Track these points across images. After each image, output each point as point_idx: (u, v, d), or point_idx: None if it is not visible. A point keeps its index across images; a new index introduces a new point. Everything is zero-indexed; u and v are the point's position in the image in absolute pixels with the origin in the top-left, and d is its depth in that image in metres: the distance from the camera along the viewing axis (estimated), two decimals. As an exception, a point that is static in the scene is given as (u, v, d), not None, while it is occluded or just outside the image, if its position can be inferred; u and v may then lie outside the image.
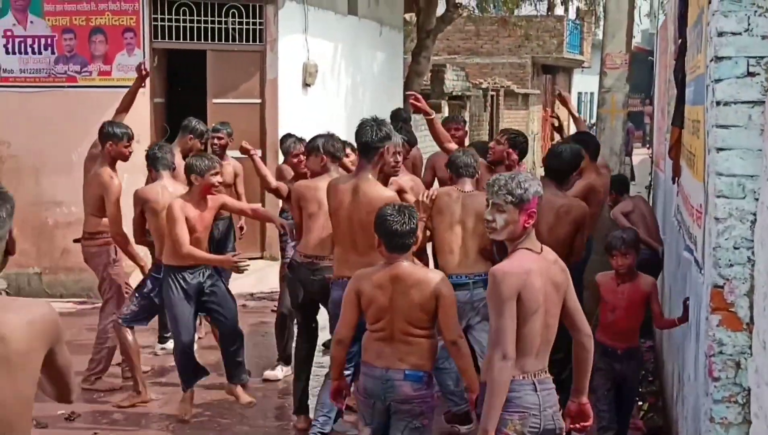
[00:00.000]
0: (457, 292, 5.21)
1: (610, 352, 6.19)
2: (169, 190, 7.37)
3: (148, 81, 11.64)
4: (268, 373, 8.34)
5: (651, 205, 11.31)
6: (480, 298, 6.43)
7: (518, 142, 7.74)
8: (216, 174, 7.06)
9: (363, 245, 6.05)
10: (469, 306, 6.46)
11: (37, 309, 3.03)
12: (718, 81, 4.13)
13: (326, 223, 6.62)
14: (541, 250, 4.38)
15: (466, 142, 9.24)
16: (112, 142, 7.65)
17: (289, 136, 8.86)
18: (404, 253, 4.97)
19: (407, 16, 19.08)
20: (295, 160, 8.18)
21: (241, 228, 9.84)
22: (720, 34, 4.11)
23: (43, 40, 11.86)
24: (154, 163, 7.64)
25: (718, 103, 4.14)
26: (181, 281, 7.03)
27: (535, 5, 25.67)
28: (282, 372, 8.35)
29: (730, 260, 4.10)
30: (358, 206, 6.06)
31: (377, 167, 6.19)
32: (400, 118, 9.60)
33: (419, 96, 7.81)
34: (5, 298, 3.05)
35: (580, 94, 40.69)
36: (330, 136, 7.02)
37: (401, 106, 15.68)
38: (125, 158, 7.78)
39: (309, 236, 6.82)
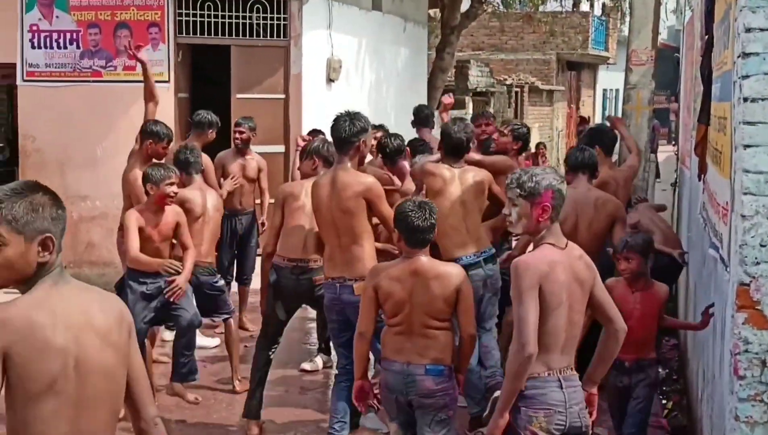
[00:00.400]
0: (470, 273, 5.26)
1: (617, 365, 5.52)
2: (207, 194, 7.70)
3: (172, 76, 11.78)
4: (306, 365, 8.41)
5: (677, 202, 11.26)
6: (492, 273, 6.62)
7: (521, 134, 7.81)
8: (172, 184, 6.97)
9: (346, 240, 6.08)
10: (482, 283, 6.52)
11: (115, 297, 3.34)
12: (745, 77, 4.12)
13: (311, 224, 6.61)
14: (566, 245, 4.37)
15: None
16: (152, 141, 7.71)
17: (317, 131, 8.92)
18: (424, 248, 5.01)
19: (431, 11, 19.06)
20: None
21: (263, 223, 9.75)
22: (748, 30, 4.10)
23: (68, 35, 11.93)
24: (186, 167, 7.70)
25: (745, 100, 4.12)
26: (140, 285, 7.02)
27: (561, 1, 25.53)
28: (321, 362, 8.47)
29: (756, 258, 4.09)
30: (337, 195, 6.04)
31: (354, 159, 6.19)
32: (421, 115, 9.42)
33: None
34: (84, 285, 3.19)
35: (605, 90, 40.52)
36: (325, 141, 7.07)
37: (425, 102, 15.71)
38: (160, 158, 7.79)
39: (291, 239, 6.76)
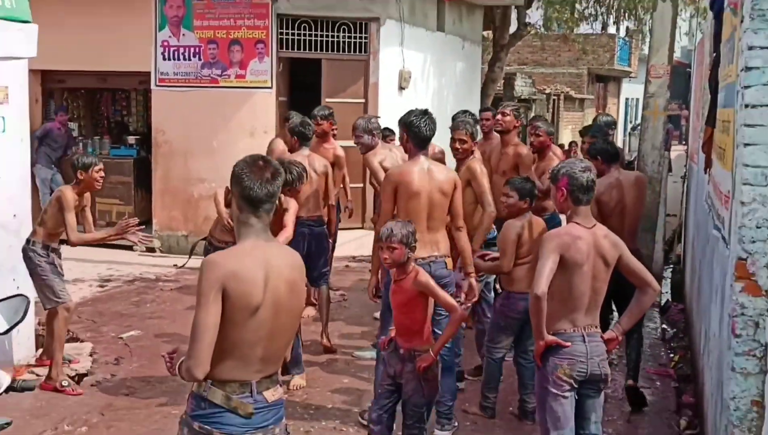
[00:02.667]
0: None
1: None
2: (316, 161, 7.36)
3: (274, 83, 11.87)
4: (359, 353, 7.52)
5: (686, 191, 11.09)
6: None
7: (521, 114, 7.67)
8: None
9: (436, 223, 5.67)
10: None
11: (296, 253, 3.42)
12: (747, 87, 4.08)
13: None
14: (594, 226, 4.35)
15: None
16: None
17: (388, 129, 8.91)
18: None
19: (485, 33, 18.92)
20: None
21: (347, 207, 9.17)
22: (750, 48, 4.06)
23: (192, 49, 12.07)
24: (301, 138, 7.35)
25: (746, 106, 4.09)
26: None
27: (591, 24, 25.19)
28: (371, 354, 7.24)
29: (752, 237, 4.05)
30: (436, 183, 5.62)
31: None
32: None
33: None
34: (279, 243, 3.47)
35: (627, 99, 39.94)
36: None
37: (479, 106, 15.61)
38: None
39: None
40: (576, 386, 4.29)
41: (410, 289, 4.64)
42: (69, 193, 6.33)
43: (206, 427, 3.11)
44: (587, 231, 4.30)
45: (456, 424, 5.89)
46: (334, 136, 8.43)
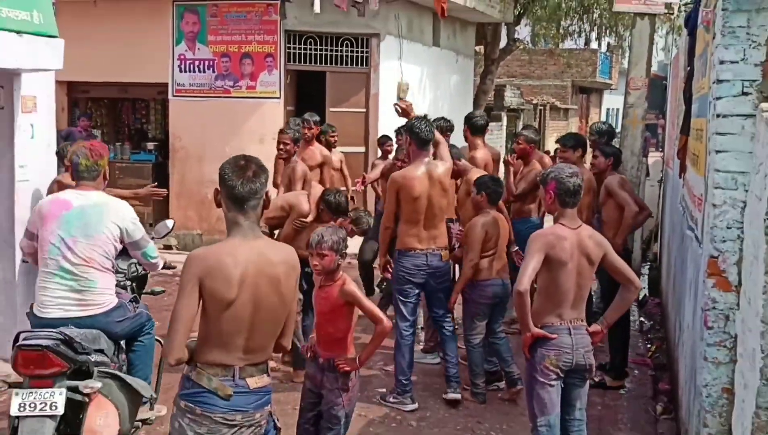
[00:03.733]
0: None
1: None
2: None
3: (282, 94, 11.85)
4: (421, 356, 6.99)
5: (662, 194, 11.08)
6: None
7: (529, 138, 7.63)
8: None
9: (435, 220, 5.96)
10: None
11: (287, 249, 3.35)
12: (718, 99, 4.08)
13: None
14: (579, 226, 4.34)
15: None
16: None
17: (385, 136, 8.90)
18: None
19: (477, 47, 18.91)
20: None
21: (352, 198, 9.13)
22: (721, 62, 4.06)
23: (206, 62, 12.07)
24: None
25: (718, 116, 4.09)
26: None
27: (575, 40, 25.21)
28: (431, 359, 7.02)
29: (723, 237, 4.06)
30: (435, 183, 5.87)
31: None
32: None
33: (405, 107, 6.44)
34: (270, 240, 3.39)
35: (608, 109, 39.89)
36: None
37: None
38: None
39: None
40: (562, 375, 4.28)
41: (336, 298, 4.24)
42: (66, 179, 5.79)
43: (190, 404, 3.13)
44: (572, 231, 4.29)
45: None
46: (318, 141, 8.52)
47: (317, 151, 8.24)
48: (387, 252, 6.18)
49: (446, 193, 5.97)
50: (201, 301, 3.10)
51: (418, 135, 5.82)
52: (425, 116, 6.08)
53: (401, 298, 6.01)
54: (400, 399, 5.99)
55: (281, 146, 7.15)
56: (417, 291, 6.03)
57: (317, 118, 8.53)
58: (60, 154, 6.41)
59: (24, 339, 4.16)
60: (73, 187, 4.78)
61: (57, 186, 6.16)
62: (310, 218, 6.28)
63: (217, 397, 3.11)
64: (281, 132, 7.31)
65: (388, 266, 6.18)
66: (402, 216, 5.90)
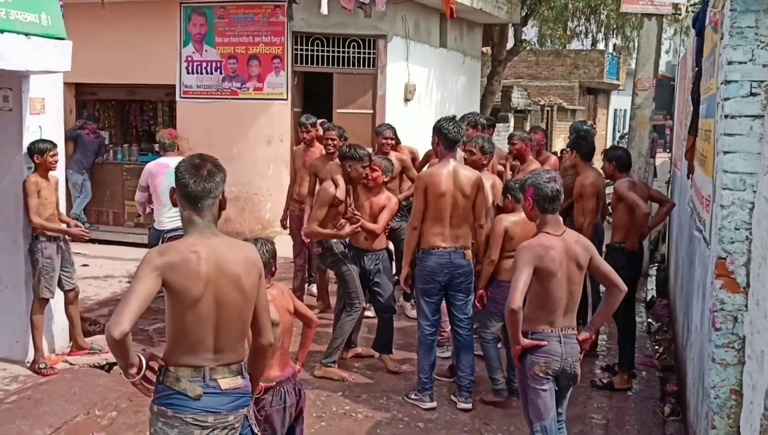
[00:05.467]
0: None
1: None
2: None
3: (289, 95, 11.86)
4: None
5: (670, 195, 11.06)
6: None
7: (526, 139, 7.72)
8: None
9: (458, 220, 5.93)
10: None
11: (251, 248, 3.30)
12: (726, 99, 4.06)
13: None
14: (563, 232, 4.33)
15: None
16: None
17: (385, 125, 8.46)
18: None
19: (484, 48, 18.90)
20: (383, 142, 7.92)
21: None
22: (729, 63, 4.04)
23: (213, 64, 12.10)
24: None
25: (726, 117, 4.07)
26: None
27: (582, 41, 25.17)
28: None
29: (732, 238, 4.04)
30: (460, 183, 5.87)
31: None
32: (471, 124, 7.92)
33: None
34: (228, 238, 3.28)
35: (616, 110, 39.83)
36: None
37: (478, 117, 15.59)
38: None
39: None
40: (552, 376, 4.30)
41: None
42: (30, 179, 6.34)
43: (162, 407, 3.11)
44: (558, 238, 4.27)
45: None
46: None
47: (318, 152, 8.19)
48: (411, 263, 6.07)
49: (467, 199, 5.89)
50: (167, 301, 3.05)
51: (446, 136, 5.86)
52: (453, 117, 6.09)
53: (425, 297, 6.00)
54: (420, 396, 6.04)
55: (329, 142, 7.54)
56: (440, 291, 5.99)
57: (314, 119, 8.50)
58: (30, 151, 6.36)
59: None
60: (165, 156, 7.71)
61: (33, 186, 6.30)
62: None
63: (188, 398, 3.07)
64: (328, 129, 7.73)
65: (408, 279, 6.08)
66: (428, 214, 5.89)
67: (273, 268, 4.06)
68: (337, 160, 7.10)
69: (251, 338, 3.38)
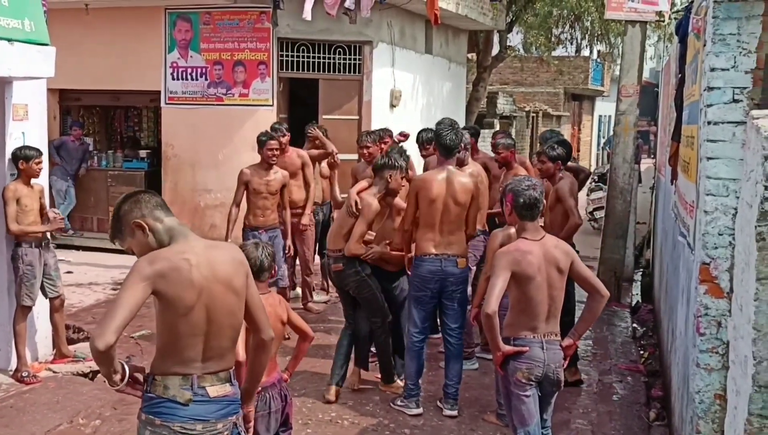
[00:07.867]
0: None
1: None
2: None
3: (275, 101, 11.85)
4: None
5: (654, 201, 11.10)
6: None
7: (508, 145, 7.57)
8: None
9: (451, 227, 5.87)
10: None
11: (234, 248, 3.31)
12: (709, 106, 4.09)
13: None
14: (542, 237, 4.34)
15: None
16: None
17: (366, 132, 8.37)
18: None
19: (470, 55, 18.95)
20: (363, 151, 7.81)
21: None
22: (712, 70, 4.06)
23: (199, 70, 12.06)
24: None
25: (709, 123, 4.09)
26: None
27: (567, 48, 25.32)
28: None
29: (715, 244, 4.05)
30: (453, 190, 5.82)
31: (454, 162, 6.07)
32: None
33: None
34: (210, 241, 3.24)
35: (600, 116, 39.98)
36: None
37: (464, 122, 15.62)
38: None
39: None
40: (535, 381, 4.31)
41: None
42: (9, 187, 6.30)
43: (150, 416, 3.06)
44: (536, 244, 4.28)
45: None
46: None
47: (294, 155, 8.47)
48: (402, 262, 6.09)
49: (465, 202, 5.83)
50: (157, 311, 3.01)
51: (442, 143, 5.89)
52: (453, 123, 6.05)
53: (415, 304, 5.96)
54: (405, 403, 6.02)
55: (364, 150, 7.68)
56: (433, 298, 5.94)
57: (285, 125, 8.80)
58: (15, 156, 6.30)
59: None
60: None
61: (11, 193, 6.25)
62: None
63: (176, 406, 3.03)
64: (361, 140, 7.84)
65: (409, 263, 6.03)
66: (420, 220, 5.87)
67: (273, 271, 4.11)
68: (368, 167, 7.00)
69: (253, 336, 3.38)
